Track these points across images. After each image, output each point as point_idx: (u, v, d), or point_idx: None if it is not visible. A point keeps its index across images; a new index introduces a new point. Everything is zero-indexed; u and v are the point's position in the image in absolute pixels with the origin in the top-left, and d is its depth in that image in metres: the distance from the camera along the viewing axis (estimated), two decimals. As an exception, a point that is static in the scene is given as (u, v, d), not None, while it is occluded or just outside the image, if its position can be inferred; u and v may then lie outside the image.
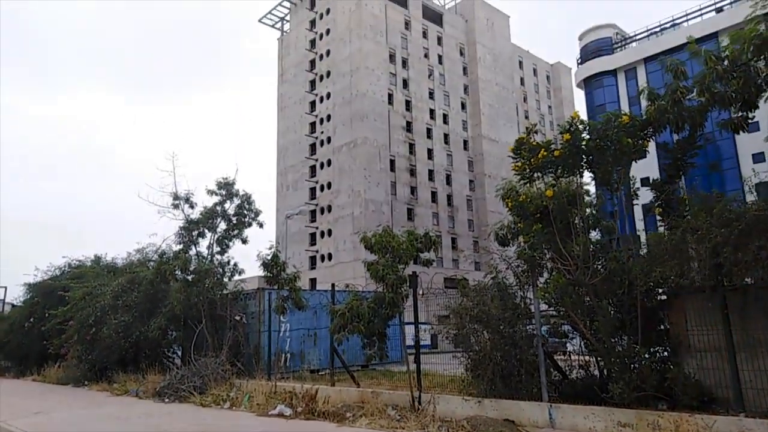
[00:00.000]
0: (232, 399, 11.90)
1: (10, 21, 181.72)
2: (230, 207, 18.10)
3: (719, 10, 48.98)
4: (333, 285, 13.02)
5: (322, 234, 67.52)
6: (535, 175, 9.75)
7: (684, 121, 8.13)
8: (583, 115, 11.84)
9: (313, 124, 73.54)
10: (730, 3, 46.88)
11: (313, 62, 76.16)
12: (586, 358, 9.88)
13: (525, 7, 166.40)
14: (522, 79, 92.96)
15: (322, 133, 71.47)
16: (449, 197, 73.91)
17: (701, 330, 7.37)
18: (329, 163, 69.02)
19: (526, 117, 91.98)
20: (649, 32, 56.11)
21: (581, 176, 9.06)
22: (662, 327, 8.03)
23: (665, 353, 7.92)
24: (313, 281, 63.40)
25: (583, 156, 8.75)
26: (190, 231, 17.22)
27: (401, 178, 68.18)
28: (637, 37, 57.01)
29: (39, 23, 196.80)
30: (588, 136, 8.53)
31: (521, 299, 9.93)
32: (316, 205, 68.99)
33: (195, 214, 17.21)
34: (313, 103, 74.44)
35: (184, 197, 17.11)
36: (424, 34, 78.22)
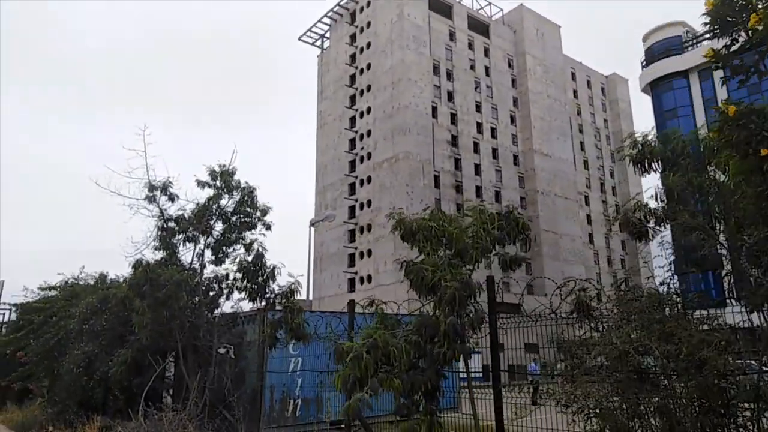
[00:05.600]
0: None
1: (45, 44, 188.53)
2: (228, 203, 13.75)
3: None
4: (352, 302, 8.29)
5: (362, 255, 63.05)
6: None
7: None
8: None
9: (353, 141, 69.89)
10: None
11: (353, 77, 72.91)
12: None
13: (577, 17, 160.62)
14: (575, 92, 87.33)
15: (362, 149, 67.64)
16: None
17: None
18: (369, 180, 64.90)
19: (580, 131, 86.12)
20: (727, 27, 49.95)
21: None
22: None
23: None
24: (351, 304, 58.74)
25: None
26: (172, 233, 12.89)
27: (446, 195, 63.22)
28: (713, 34, 50.95)
29: (75, 48, 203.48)
30: None
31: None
32: (356, 224, 64.79)
33: (175, 209, 12.91)
34: (353, 119, 70.94)
35: (161, 186, 12.78)
36: (470, 45, 73.97)
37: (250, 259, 9.72)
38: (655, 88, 53.25)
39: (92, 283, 22.81)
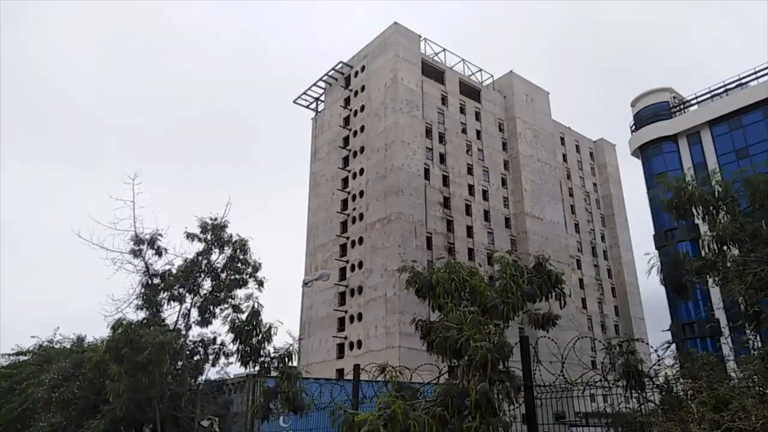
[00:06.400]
0: None
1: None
2: (219, 258, 12.87)
3: (796, 63, 44.18)
4: (357, 367, 7.29)
5: (352, 318, 61.34)
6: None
7: None
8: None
9: (345, 201, 69.65)
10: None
11: (346, 139, 73.65)
12: None
13: (563, 85, 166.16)
14: (564, 156, 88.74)
15: (354, 209, 67.31)
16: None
17: None
18: (361, 240, 64.16)
19: (571, 194, 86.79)
20: (712, 93, 51.34)
21: None
22: None
23: None
24: (340, 371, 56.55)
25: None
26: (156, 290, 11.91)
27: (438, 257, 62.40)
28: (699, 100, 52.19)
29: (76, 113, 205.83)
30: None
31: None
32: (346, 286, 63.43)
33: (162, 263, 11.99)
34: (345, 180, 71.02)
35: (148, 239, 11.88)
36: (462, 109, 75.43)
37: (243, 317, 8.75)
38: (644, 151, 54.03)
39: (68, 346, 21.37)
